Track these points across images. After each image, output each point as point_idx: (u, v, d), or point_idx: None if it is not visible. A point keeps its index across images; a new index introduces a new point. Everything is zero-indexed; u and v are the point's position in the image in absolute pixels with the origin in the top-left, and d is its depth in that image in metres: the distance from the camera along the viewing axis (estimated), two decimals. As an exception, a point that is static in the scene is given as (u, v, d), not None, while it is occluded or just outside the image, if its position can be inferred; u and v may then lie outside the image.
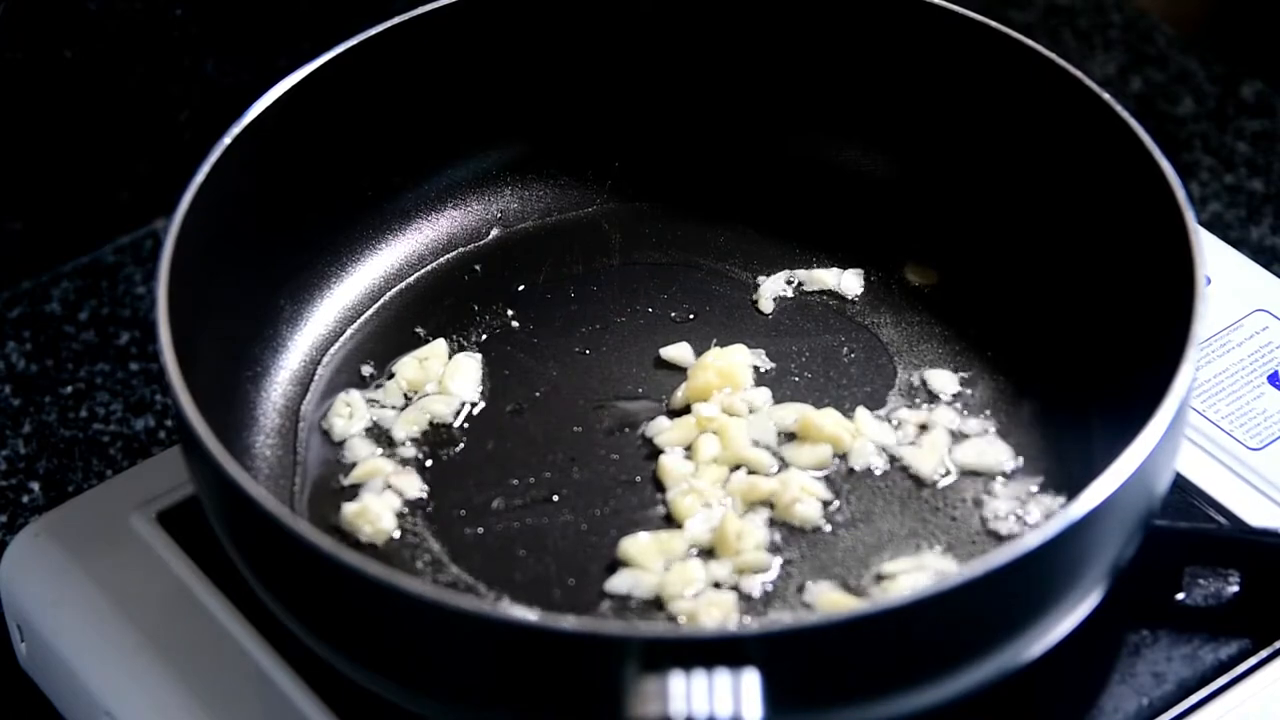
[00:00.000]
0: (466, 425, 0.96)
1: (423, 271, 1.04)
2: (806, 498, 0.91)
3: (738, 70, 1.06)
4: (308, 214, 1.01)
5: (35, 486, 1.10)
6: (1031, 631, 0.83)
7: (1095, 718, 0.89)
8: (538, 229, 1.06)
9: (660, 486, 0.93)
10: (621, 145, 1.07)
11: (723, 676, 0.75)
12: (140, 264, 1.22)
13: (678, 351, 0.99)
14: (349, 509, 0.92)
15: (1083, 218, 0.98)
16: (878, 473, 0.93)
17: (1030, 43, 0.98)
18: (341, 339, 1.01)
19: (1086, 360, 0.96)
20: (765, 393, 0.97)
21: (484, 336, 1.01)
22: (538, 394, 0.98)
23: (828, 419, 0.94)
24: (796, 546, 0.90)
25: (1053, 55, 0.97)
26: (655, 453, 0.94)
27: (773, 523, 0.91)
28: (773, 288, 1.02)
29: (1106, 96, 0.95)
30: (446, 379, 0.98)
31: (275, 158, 0.97)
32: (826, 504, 0.92)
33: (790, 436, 0.95)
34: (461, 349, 1.00)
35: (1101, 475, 0.80)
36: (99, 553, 0.97)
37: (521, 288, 1.03)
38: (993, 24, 0.99)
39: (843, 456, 0.94)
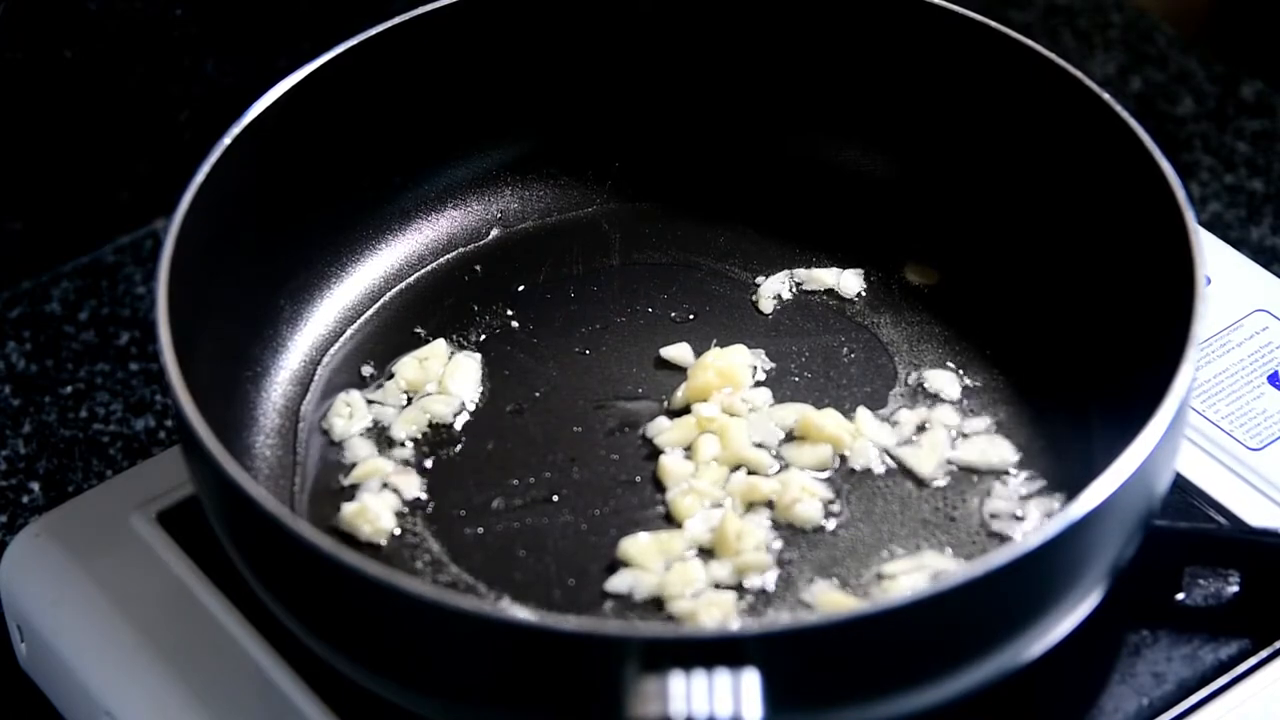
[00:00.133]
0: (466, 425, 0.96)
1: (423, 271, 1.04)
2: (807, 498, 0.91)
3: (737, 70, 1.06)
4: (307, 214, 1.01)
5: (35, 486, 1.10)
6: (1031, 631, 0.83)
7: (1095, 718, 0.89)
8: (538, 229, 1.06)
9: (660, 486, 0.93)
10: (621, 145, 1.07)
11: (723, 676, 0.75)
12: (140, 264, 1.22)
13: (678, 351, 0.99)
14: (348, 509, 0.92)
15: (1083, 217, 0.98)
16: (878, 473, 0.93)
17: (1030, 43, 0.98)
18: (341, 339, 1.01)
19: (1086, 360, 0.96)
20: (765, 393, 0.97)
21: (484, 336, 1.01)
22: (538, 394, 0.98)
23: (828, 419, 0.94)
24: (796, 546, 0.90)
25: (1053, 55, 0.97)
26: (655, 453, 0.94)
27: (773, 523, 0.91)
28: (773, 288, 1.02)
29: (1106, 96, 0.95)
30: (446, 379, 0.98)
31: (275, 158, 0.98)
32: (827, 504, 0.92)
33: (790, 436, 0.95)
34: (461, 349, 1.00)
35: (1101, 475, 0.80)
36: (99, 553, 0.97)
37: (521, 288, 1.03)
38: (993, 24, 0.99)
39: (843, 457, 0.94)
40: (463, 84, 1.04)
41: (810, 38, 1.04)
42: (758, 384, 0.97)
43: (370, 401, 0.97)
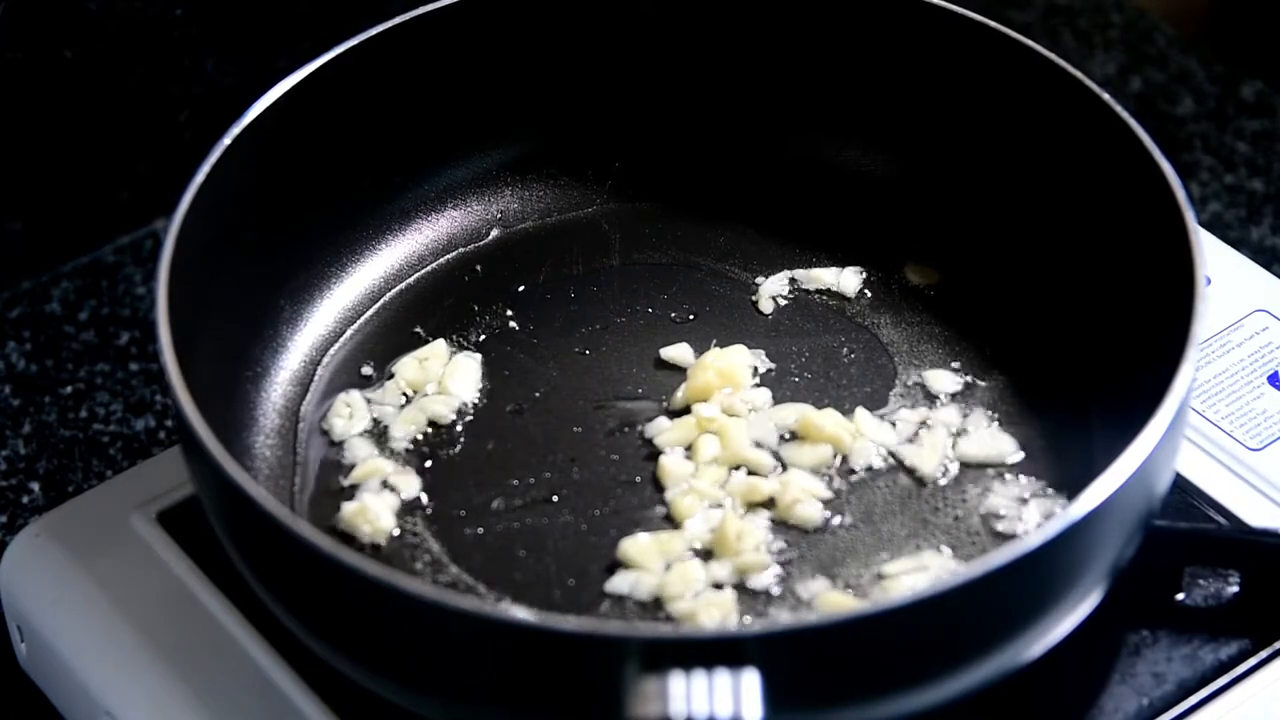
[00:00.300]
0: (466, 425, 0.96)
1: (423, 271, 1.04)
2: (807, 498, 0.91)
3: (738, 70, 1.06)
4: (307, 214, 1.01)
5: (35, 486, 1.10)
6: (1031, 631, 0.82)
7: (1095, 718, 0.89)
8: (538, 229, 1.06)
9: (660, 487, 0.93)
10: (621, 145, 1.07)
11: (723, 676, 0.75)
12: (140, 264, 1.22)
13: (678, 352, 0.99)
14: (348, 509, 0.92)
15: (1083, 217, 0.98)
16: (878, 473, 0.93)
17: (1030, 43, 0.98)
18: (341, 339, 1.01)
19: (1086, 360, 0.96)
20: (765, 393, 0.97)
21: (484, 337, 1.01)
22: (538, 394, 0.98)
23: (828, 419, 0.94)
24: (796, 546, 0.90)
25: (1052, 55, 0.97)
26: (655, 453, 0.94)
27: (773, 523, 0.91)
28: (773, 288, 1.02)
29: (1106, 96, 0.95)
30: (446, 379, 0.98)
31: (275, 158, 0.98)
32: (827, 504, 0.92)
33: (790, 437, 0.95)
34: (461, 349, 1.00)
35: (1101, 475, 0.80)
36: (99, 553, 0.97)
37: (521, 288, 1.03)
38: (992, 24, 0.99)
39: (843, 457, 0.94)
40: (463, 84, 1.04)
41: (810, 38, 1.04)
42: (758, 384, 0.97)
43: (370, 401, 0.97)
